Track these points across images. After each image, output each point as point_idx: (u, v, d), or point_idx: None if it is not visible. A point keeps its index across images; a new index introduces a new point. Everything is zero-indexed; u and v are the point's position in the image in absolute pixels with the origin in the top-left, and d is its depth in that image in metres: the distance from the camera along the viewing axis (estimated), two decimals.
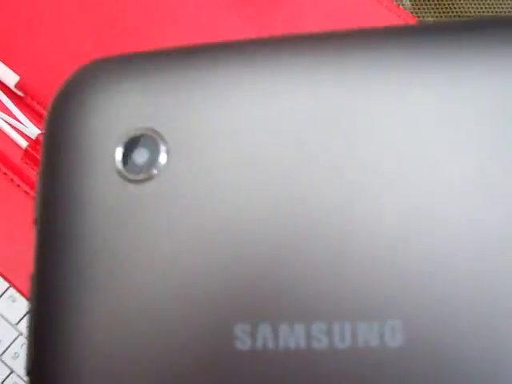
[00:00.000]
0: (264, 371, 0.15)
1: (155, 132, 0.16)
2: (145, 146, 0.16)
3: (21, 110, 0.34)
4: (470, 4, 0.38)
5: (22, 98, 0.34)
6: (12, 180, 0.32)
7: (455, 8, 0.39)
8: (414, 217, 0.15)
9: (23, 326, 0.31)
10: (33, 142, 0.33)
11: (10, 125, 0.33)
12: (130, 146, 0.16)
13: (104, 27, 0.33)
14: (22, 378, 0.30)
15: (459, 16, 0.38)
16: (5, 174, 0.33)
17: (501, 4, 0.38)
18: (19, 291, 0.31)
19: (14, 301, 0.31)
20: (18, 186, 0.32)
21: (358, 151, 0.16)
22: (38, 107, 0.34)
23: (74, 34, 0.33)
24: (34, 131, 0.33)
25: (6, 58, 0.34)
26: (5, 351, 0.31)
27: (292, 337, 0.15)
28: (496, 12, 0.38)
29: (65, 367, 0.16)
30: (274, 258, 0.15)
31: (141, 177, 0.16)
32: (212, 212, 0.16)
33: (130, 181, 0.16)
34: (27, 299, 0.16)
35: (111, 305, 0.15)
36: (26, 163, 0.33)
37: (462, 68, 0.16)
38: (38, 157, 0.32)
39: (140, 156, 0.16)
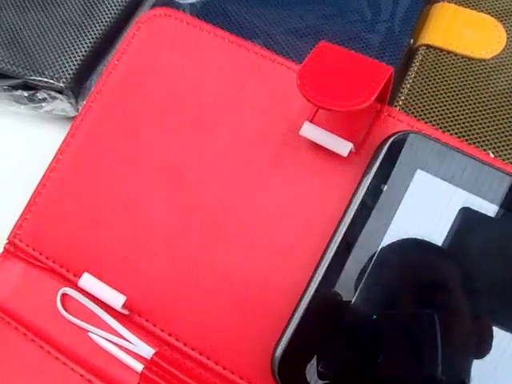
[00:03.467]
0: None
1: None
2: None
3: (128, 329, 0.32)
4: None
5: (128, 317, 0.33)
6: None
7: None
8: None
9: None
10: (148, 363, 0.31)
11: (119, 347, 0.32)
12: None
13: (199, 227, 0.33)
14: None
15: None
16: None
17: None
18: None
19: None
20: None
21: None
22: (146, 324, 0.33)
23: (172, 241, 0.33)
24: (146, 351, 0.32)
25: (109, 279, 0.33)
26: None
27: None
28: None
29: None
30: None
31: None
32: None
33: None
34: None
35: None
36: None
37: None
38: (157, 380, 0.31)
39: None
